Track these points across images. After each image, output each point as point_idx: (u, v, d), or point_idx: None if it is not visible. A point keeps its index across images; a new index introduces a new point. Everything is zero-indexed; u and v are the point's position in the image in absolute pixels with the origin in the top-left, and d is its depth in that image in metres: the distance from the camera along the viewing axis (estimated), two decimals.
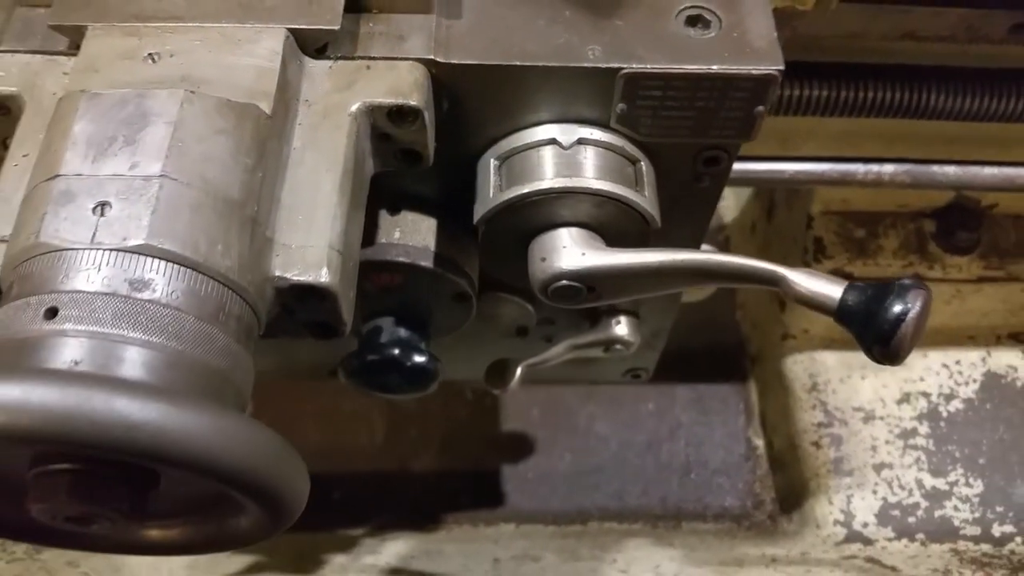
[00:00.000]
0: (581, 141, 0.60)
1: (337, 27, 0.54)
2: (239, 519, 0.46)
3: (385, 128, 0.55)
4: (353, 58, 0.55)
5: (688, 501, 1.34)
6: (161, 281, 0.40)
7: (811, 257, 1.24)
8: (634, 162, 0.62)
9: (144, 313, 0.39)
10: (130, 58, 0.51)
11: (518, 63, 0.56)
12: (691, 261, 0.59)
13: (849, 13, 0.78)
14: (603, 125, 0.61)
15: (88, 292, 0.39)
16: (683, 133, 0.61)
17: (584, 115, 0.60)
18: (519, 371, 0.84)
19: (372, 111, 0.54)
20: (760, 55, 0.57)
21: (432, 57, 0.56)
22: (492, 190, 0.61)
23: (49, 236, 0.41)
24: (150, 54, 0.51)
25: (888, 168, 0.99)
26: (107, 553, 0.52)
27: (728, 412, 1.42)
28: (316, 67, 0.55)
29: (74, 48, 0.54)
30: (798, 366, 1.35)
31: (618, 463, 1.36)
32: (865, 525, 1.22)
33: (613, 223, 0.61)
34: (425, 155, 0.58)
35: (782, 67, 0.57)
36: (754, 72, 0.57)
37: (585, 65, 0.56)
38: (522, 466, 1.35)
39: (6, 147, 0.56)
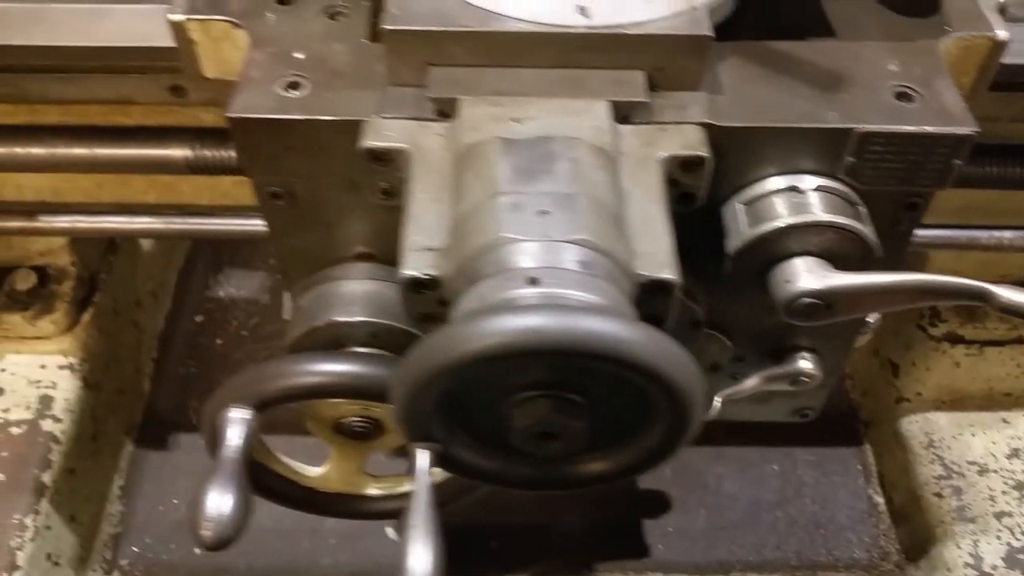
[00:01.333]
0: (818, 188, 0.76)
1: (647, 100, 0.71)
2: (651, 435, 0.60)
3: (675, 175, 0.72)
4: (651, 123, 0.72)
5: (820, 554, 1.43)
6: (596, 263, 0.56)
7: (928, 321, 1.38)
8: (856, 205, 0.77)
9: (593, 282, 0.54)
10: (499, 120, 0.68)
11: (777, 124, 0.73)
12: (913, 281, 0.74)
13: (987, 97, 0.95)
14: (829, 175, 0.77)
15: (556, 268, 0.54)
16: (894, 182, 0.77)
17: (814, 167, 0.76)
18: (717, 403, 0.98)
19: (670, 161, 0.70)
20: (958, 119, 0.74)
21: (710, 121, 0.72)
22: (742, 227, 0.76)
23: (512, 232, 0.56)
24: (513, 118, 0.68)
25: (1007, 234, 1.15)
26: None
27: (848, 472, 1.52)
28: (624, 129, 0.72)
29: (440, 116, 0.71)
30: (914, 426, 1.46)
31: (751, 519, 1.46)
32: (994, 568, 1.31)
33: (840, 252, 0.77)
34: (699, 197, 0.74)
35: (978, 129, 0.73)
36: (956, 132, 0.73)
37: (828, 126, 0.73)
38: (663, 520, 1.45)
39: (384, 192, 0.73)
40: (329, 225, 0.83)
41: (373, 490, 0.94)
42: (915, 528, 1.42)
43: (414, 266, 0.62)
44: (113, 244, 1.44)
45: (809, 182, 0.76)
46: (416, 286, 0.62)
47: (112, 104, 1.01)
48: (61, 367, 1.32)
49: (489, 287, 0.55)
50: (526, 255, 0.56)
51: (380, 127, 0.71)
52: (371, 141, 0.70)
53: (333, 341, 0.84)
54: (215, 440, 0.78)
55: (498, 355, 0.53)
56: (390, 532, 1.43)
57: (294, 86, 0.75)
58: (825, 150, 0.75)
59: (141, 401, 1.52)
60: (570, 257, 0.55)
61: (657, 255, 0.63)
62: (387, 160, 0.71)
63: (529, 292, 0.54)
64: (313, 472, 0.92)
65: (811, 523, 1.46)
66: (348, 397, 0.79)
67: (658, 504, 1.47)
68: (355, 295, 0.84)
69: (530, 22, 0.71)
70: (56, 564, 1.23)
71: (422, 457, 0.66)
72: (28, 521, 1.18)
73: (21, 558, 1.16)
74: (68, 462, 1.28)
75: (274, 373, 0.76)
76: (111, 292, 1.41)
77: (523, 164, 0.61)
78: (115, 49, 0.89)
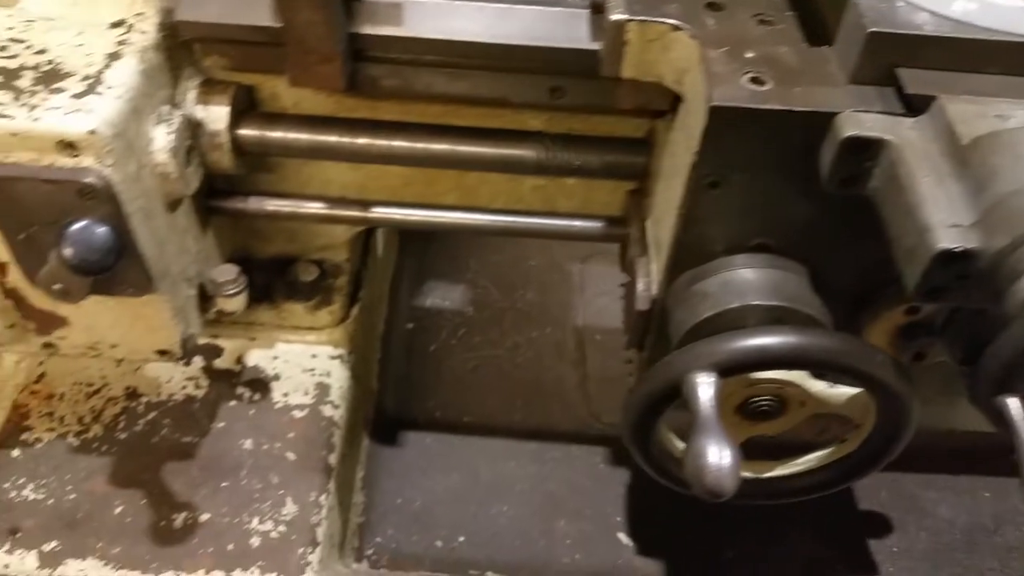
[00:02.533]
0: None
1: None
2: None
3: None
4: None
5: None
6: None
7: None
8: None
9: None
10: (984, 117, 0.75)
11: None
12: None
13: None
14: None
15: None
16: None
17: None
18: None
19: None
20: None
21: None
22: None
23: None
24: (996, 115, 0.75)
25: None
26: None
27: None
28: None
29: (910, 111, 0.78)
30: None
31: (970, 543, 1.50)
32: None
33: None
34: None
35: None
36: None
37: None
38: (886, 541, 1.49)
39: (842, 182, 0.79)
40: (745, 214, 0.89)
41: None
42: None
43: (949, 240, 0.68)
44: (367, 245, 1.50)
45: None
46: (946, 259, 0.68)
47: (482, 106, 1.08)
48: (332, 357, 1.37)
49: None
50: None
51: (858, 120, 0.78)
52: (853, 131, 0.77)
53: (738, 322, 0.89)
54: (653, 404, 0.83)
55: None
56: (623, 538, 1.47)
57: (758, 81, 0.81)
58: None
59: (372, 397, 1.57)
60: None
61: None
62: (864, 150, 0.77)
63: None
64: None
65: None
66: (807, 369, 0.84)
67: (879, 525, 1.51)
68: (763, 281, 0.89)
69: (1002, 32, 0.78)
70: (331, 546, 1.26)
71: None
72: (323, 500, 1.22)
73: (320, 534, 1.19)
74: (343, 448, 1.32)
75: (742, 343, 0.81)
76: (368, 290, 1.47)
77: None
78: (530, 49, 0.97)
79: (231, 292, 1.14)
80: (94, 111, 0.90)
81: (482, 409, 1.62)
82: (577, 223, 1.19)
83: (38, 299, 1.07)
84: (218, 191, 1.19)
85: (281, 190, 1.20)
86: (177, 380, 1.35)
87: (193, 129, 1.05)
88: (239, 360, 1.37)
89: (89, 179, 0.90)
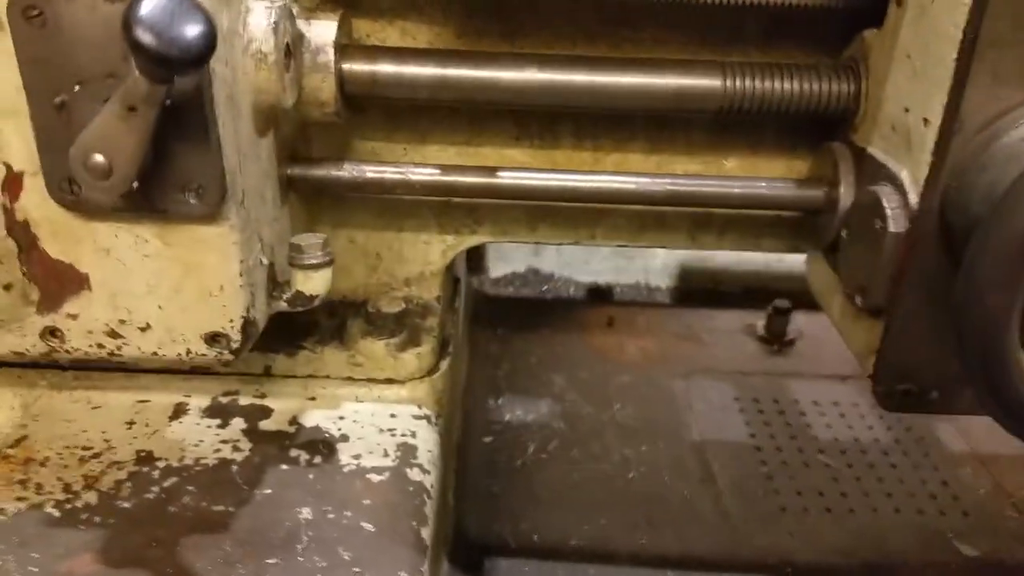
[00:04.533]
0: None
1: None
2: None
3: None
4: None
5: None
6: None
7: None
8: None
9: None
10: None
11: None
12: None
13: None
14: None
15: None
16: None
17: None
18: None
19: None
20: None
21: None
22: None
23: None
24: None
25: None
26: None
27: None
28: None
29: None
30: None
31: None
32: None
33: None
34: None
35: None
36: None
37: None
38: None
39: None
40: None
41: None
42: None
43: None
44: (452, 303, 1.22)
45: None
46: None
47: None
48: (416, 417, 1.04)
49: None
50: None
51: None
52: None
53: None
54: None
55: None
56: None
57: None
58: None
59: (449, 514, 1.18)
60: None
61: None
62: None
63: None
64: None
65: None
66: None
67: None
68: None
69: None
70: None
71: None
72: None
73: None
74: (436, 526, 0.94)
75: None
76: (455, 358, 1.16)
77: None
78: None
79: (315, 261, 0.84)
80: None
81: (594, 531, 1.23)
82: (764, 186, 0.93)
83: (53, 243, 0.77)
84: (299, 159, 0.94)
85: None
86: (209, 443, 0.98)
87: (294, 41, 0.83)
88: (293, 421, 1.02)
89: None
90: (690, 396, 1.52)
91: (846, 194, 0.86)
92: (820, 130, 0.94)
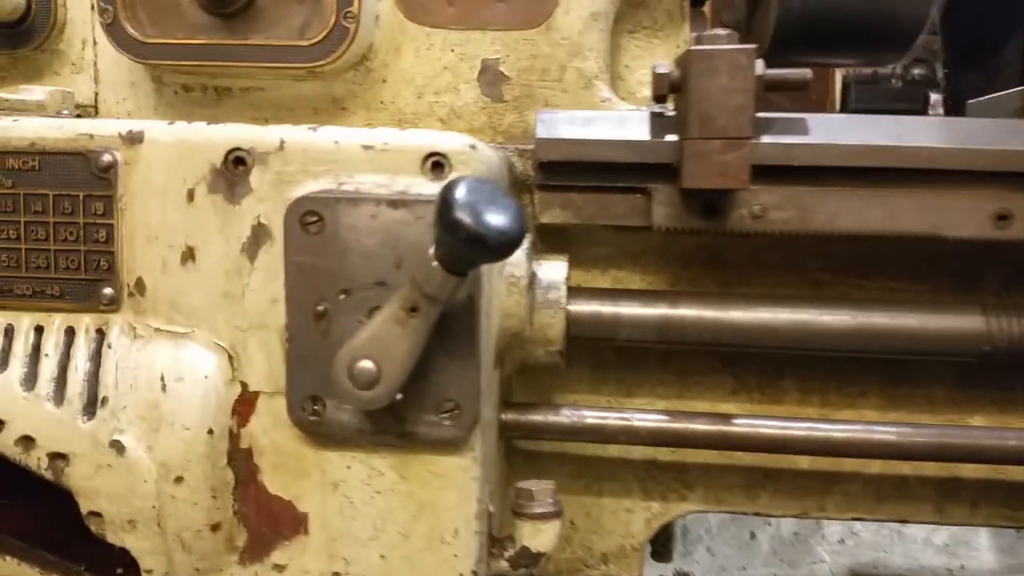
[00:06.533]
0: None
1: None
2: None
3: None
4: None
5: None
6: None
7: None
8: None
9: None
10: None
11: None
12: None
13: None
14: None
15: None
16: None
17: None
18: None
19: None
20: None
21: None
22: None
23: None
24: None
25: None
26: None
27: None
28: None
29: None
30: None
31: None
32: None
33: None
34: None
35: None
36: None
37: None
38: None
39: None
40: None
41: None
42: None
43: None
44: None
45: None
46: None
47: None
48: None
49: None
50: None
51: None
52: None
53: None
54: None
55: None
56: None
57: None
58: None
59: None
60: None
61: None
62: None
63: None
64: None
65: None
66: None
67: None
68: None
69: None
70: None
71: None
72: None
73: None
74: None
75: None
76: None
77: None
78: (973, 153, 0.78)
79: (545, 511, 0.73)
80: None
81: None
82: None
83: (275, 476, 0.68)
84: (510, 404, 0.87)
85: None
86: None
87: (529, 276, 0.80)
88: None
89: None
90: None
91: None
92: None
